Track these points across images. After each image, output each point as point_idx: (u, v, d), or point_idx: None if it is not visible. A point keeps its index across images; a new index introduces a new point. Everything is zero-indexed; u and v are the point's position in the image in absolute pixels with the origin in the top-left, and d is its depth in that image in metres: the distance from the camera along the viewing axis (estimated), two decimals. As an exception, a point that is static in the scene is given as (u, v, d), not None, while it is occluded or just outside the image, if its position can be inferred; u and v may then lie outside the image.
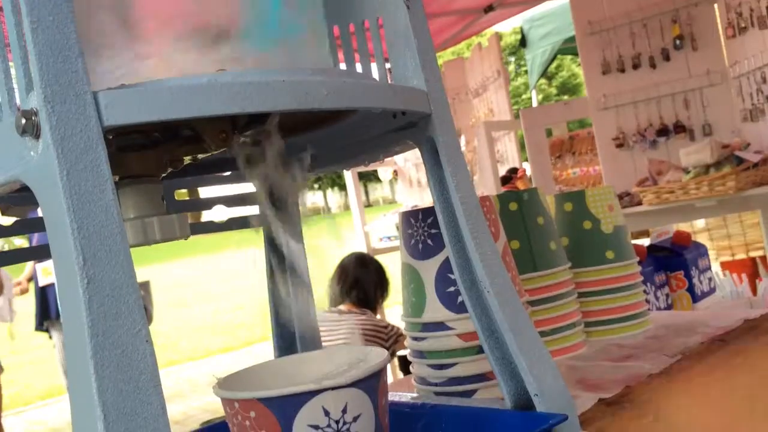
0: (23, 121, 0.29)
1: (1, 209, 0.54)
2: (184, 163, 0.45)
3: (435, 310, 0.70)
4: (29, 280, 3.83)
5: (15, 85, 0.32)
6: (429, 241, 0.70)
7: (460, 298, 0.69)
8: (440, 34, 3.81)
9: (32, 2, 0.29)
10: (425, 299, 0.71)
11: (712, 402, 0.74)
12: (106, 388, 0.27)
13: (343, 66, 0.50)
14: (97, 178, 0.29)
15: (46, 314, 3.73)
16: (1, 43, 0.32)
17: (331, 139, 0.54)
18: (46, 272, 3.65)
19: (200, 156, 0.46)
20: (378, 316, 2.47)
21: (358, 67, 0.50)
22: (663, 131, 2.96)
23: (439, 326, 0.69)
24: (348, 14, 0.50)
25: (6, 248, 0.54)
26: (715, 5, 2.82)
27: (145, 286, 3.92)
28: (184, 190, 0.64)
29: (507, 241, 0.76)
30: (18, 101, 0.31)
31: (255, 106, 0.33)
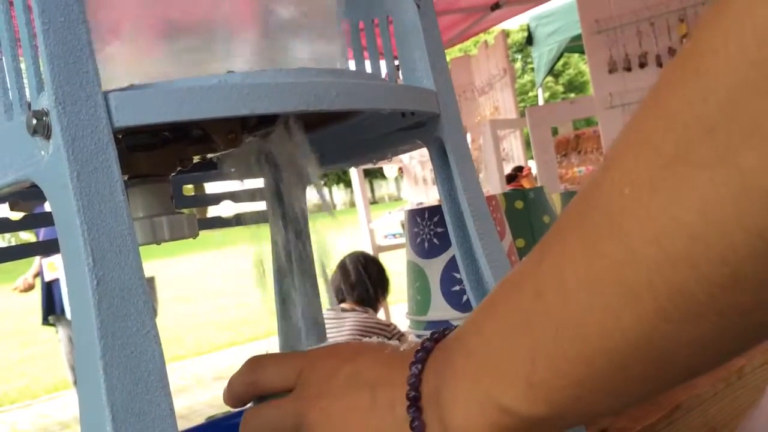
0: (34, 121, 0.29)
1: (10, 205, 0.54)
2: (193, 162, 0.45)
3: (440, 308, 0.70)
4: (36, 276, 3.85)
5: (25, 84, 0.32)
6: (435, 240, 0.70)
7: (465, 297, 0.69)
8: (447, 32, 3.81)
9: (44, 2, 0.29)
10: (430, 297, 0.71)
11: (715, 401, 0.73)
12: (114, 389, 0.27)
13: (352, 63, 0.50)
14: (108, 180, 0.29)
15: (52, 309, 3.74)
16: (12, 41, 0.32)
17: (339, 137, 0.54)
18: (51, 267, 3.66)
19: (209, 155, 0.46)
20: (381, 312, 2.48)
21: (367, 65, 0.50)
22: (669, 130, 2.96)
23: (444, 324, 0.69)
24: (358, 12, 0.50)
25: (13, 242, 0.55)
26: (723, 4, 2.81)
27: (150, 281, 3.93)
28: (190, 186, 0.64)
29: (513, 240, 0.76)
30: (29, 100, 0.31)
31: (264, 107, 0.33)
